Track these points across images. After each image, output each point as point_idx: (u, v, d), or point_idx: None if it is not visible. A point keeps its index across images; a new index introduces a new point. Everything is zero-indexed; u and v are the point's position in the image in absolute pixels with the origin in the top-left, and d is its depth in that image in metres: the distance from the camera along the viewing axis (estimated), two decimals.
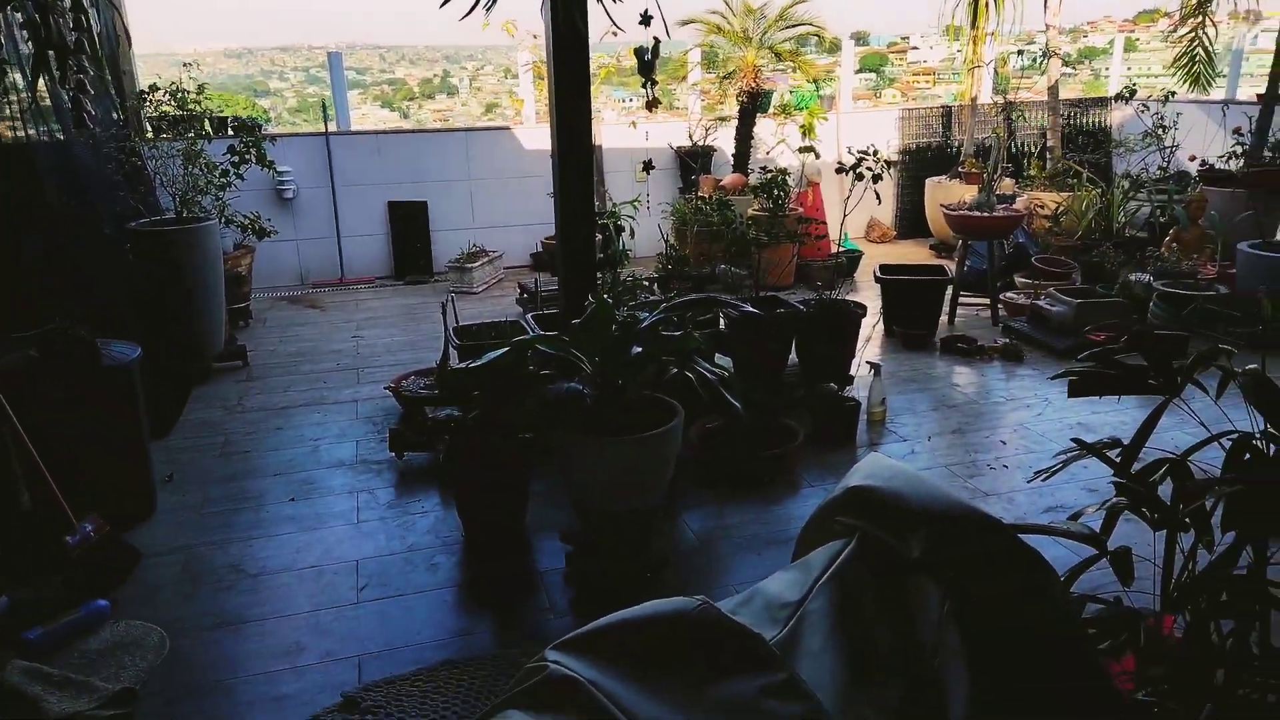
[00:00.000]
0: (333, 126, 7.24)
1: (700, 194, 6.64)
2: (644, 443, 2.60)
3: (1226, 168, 6.20)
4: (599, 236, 6.39)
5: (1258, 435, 1.61)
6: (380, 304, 6.52)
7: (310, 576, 2.95)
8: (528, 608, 2.79)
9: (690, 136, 7.34)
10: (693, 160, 7.17)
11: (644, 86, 3.62)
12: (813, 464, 3.73)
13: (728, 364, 4.29)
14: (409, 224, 7.13)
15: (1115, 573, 1.66)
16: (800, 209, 6.58)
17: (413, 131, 7.63)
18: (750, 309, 3.19)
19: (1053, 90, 7.38)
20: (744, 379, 4.22)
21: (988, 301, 5.61)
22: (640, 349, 2.72)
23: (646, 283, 5.31)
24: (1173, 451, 1.70)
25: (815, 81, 7.31)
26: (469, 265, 6.66)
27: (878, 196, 4.26)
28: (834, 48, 8.48)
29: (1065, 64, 10.51)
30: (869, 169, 4.08)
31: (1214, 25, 6.75)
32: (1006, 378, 4.72)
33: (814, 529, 1.35)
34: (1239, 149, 6.03)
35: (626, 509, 2.73)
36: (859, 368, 4.42)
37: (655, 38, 3.73)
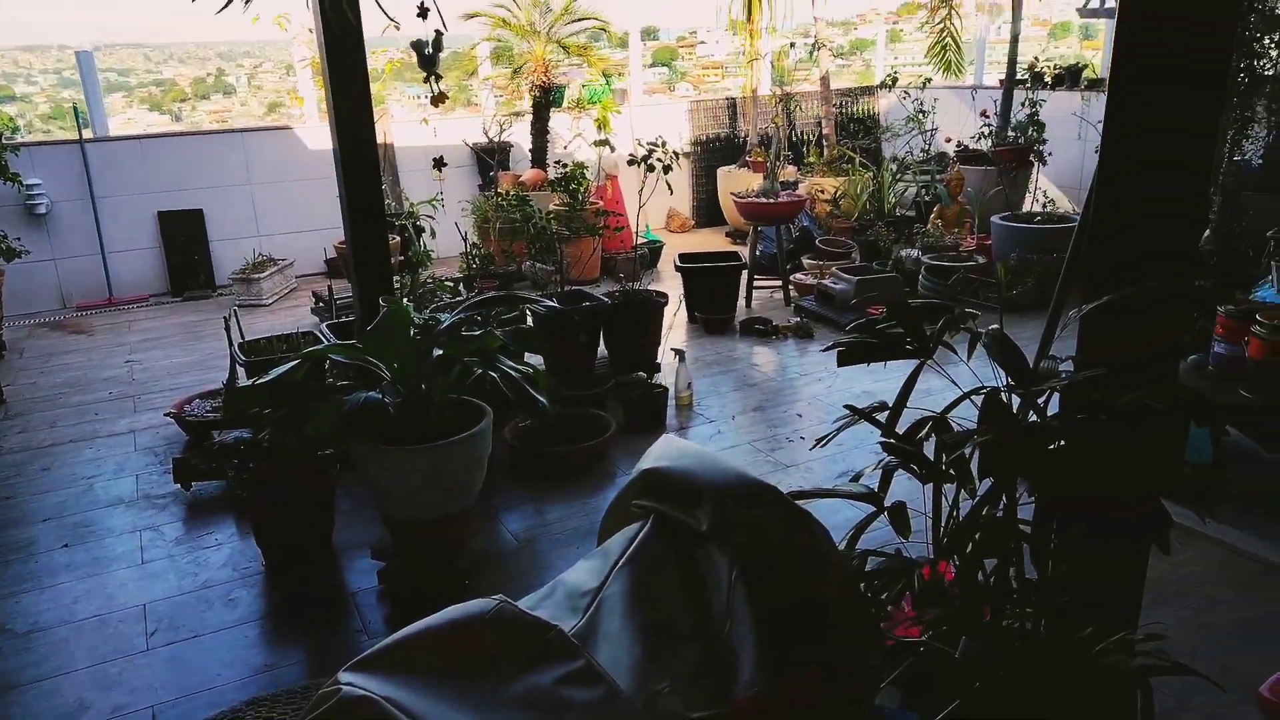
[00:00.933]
0: (89, 132, 6.58)
1: (500, 190, 6.58)
2: (450, 448, 2.55)
3: (979, 148, 6.85)
4: (398, 238, 6.20)
5: (1004, 389, 1.79)
6: (156, 324, 6.00)
7: (92, 628, 2.68)
8: (340, 631, 2.67)
9: (485, 132, 7.24)
10: (489, 156, 7.09)
11: (427, 81, 3.52)
12: (626, 452, 3.79)
13: (538, 361, 4.29)
14: (183, 235, 6.60)
15: (894, 527, 1.80)
16: (600, 202, 6.67)
17: (182, 134, 7.05)
18: (550, 304, 3.19)
19: (824, 81, 7.86)
20: (556, 374, 4.24)
21: (780, 283, 5.92)
22: (441, 351, 2.66)
23: (450, 283, 5.21)
24: (937, 411, 1.86)
25: (606, 75, 7.41)
26: (256, 276, 6.26)
27: (669, 187, 4.39)
28: (623, 43, 8.63)
29: (839, 55, 11.23)
30: (659, 160, 4.19)
31: (960, 17, 7.42)
32: (800, 354, 5.00)
33: (613, 515, 1.38)
34: (986, 130, 6.67)
35: (438, 516, 2.66)
36: (665, 355, 4.54)
37: (437, 31, 3.65)
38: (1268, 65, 4.11)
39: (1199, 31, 1.62)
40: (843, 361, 1.68)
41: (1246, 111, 4.19)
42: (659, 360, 4.55)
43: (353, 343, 2.73)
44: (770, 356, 4.99)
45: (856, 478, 1.94)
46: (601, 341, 4.49)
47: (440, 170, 4.58)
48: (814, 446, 1.74)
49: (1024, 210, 6.32)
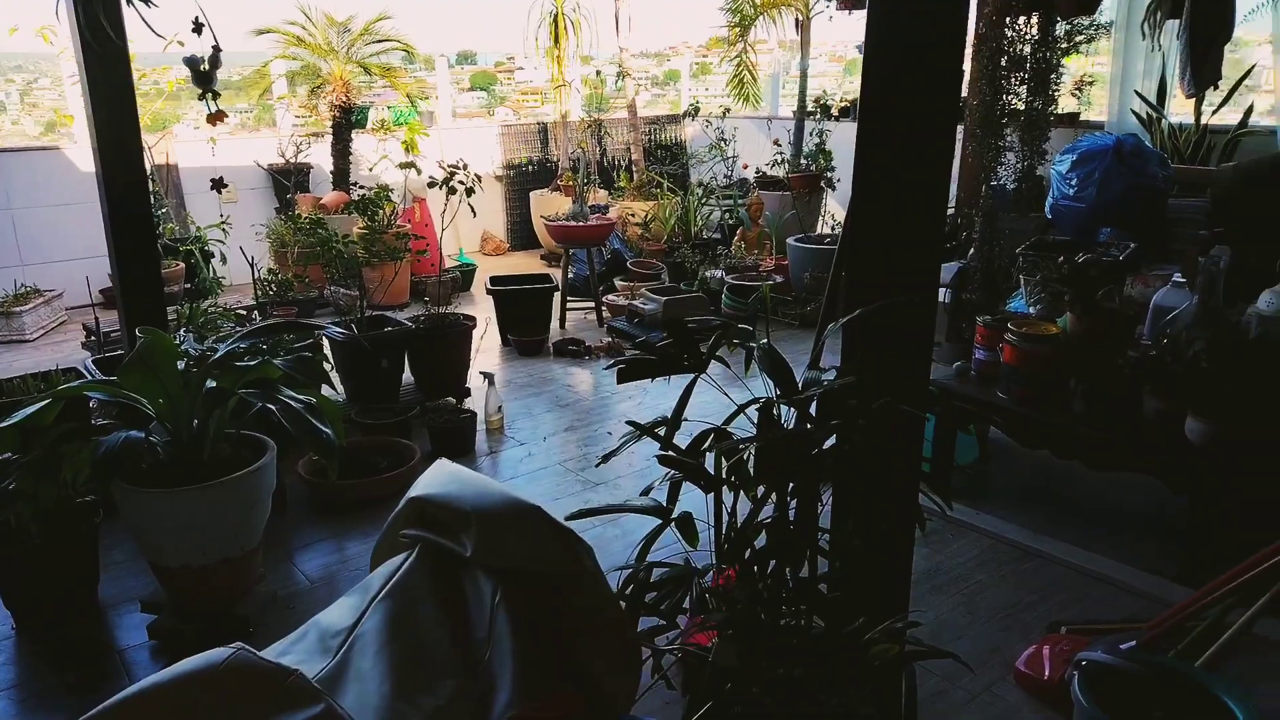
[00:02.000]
0: None
1: (299, 214, 6.29)
2: (222, 488, 2.38)
3: (775, 174, 7.22)
4: (181, 265, 5.78)
5: (775, 399, 1.88)
6: None
7: None
8: (109, 692, 2.41)
9: (282, 154, 6.91)
10: (286, 179, 6.76)
11: (202, 99, 3.32)
12: None
13: (340, 390, 4.11)
14: None
15: (682, 537, 1.84)
16: (408, 225, 6.50)
17: None
18: (338, 330, 3.06)
19: (631, 109, 8.06)
20: (358, 402, 4.08)
21: (593, 305, 5.98)
22: (215, 384, 2.49)
23: (244, 311, 4.90)
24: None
25: (411, 98, 7.26)
26: (17, 309, 5.65)
27: (472, 210, 4.33)
28: (431, 64, 8.49)
29: (654, 85, 11.53)
30: (460, 183, 4.13)
31: (754, 52, 7.81)
32: (612, 374, 5.05)
33: (383, 548, 1.32)
34: (779, 157, 7.05)
35: (213, 561, 2.48)
36: (475, 379, 4.46)
37: (215, 47, 3.45)
38: (1016, 101, 4.58)
39: (933, 76, 1.77)
40: (622, 379, 1.70)
41: (1001, 142, 4.65)
42: (468, 385, 4.47)
43: (112, 378, 2.50)
44: (583, 377, 5.02)
45: (646, 491, 1.97)
46: (407, 368, 4.36)
47: (221, 191, 4.31)
48: (599, 464, 1.75)
49: (816, 232, 6.71)
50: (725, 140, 7.65)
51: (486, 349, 5.35)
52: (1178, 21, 4.91)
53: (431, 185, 4.27)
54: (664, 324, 1.69)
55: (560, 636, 1.13)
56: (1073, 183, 4.44)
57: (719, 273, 6.06)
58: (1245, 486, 2.62)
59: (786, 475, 1.71)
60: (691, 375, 1.78)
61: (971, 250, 4.72)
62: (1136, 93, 5.53)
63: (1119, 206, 4.31)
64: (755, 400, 1.89)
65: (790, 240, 6.14)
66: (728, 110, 7.75)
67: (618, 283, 6.44)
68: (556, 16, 7.73)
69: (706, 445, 1.85)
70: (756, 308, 5.43)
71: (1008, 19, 4.36)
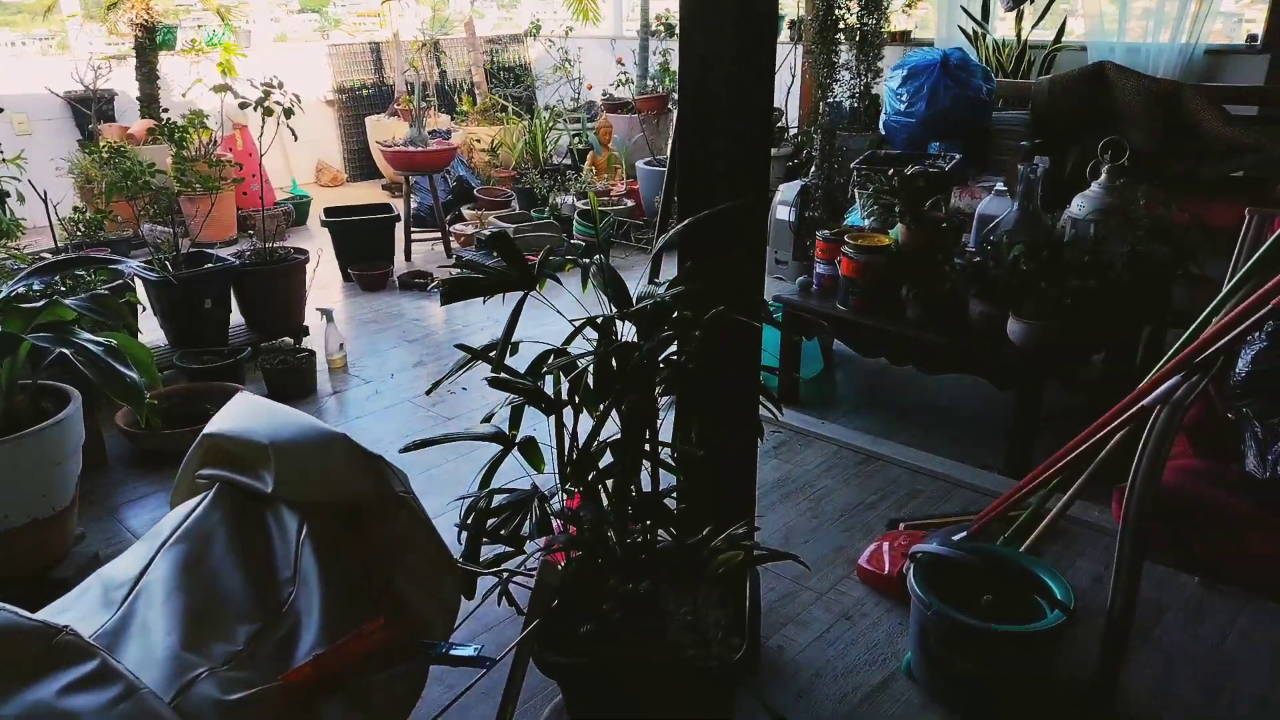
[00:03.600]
0: None
1: (106, 145, 5.69)
2: (22, 444, 2.15)
3: (623, 96, 7.08)
4: None
5: (612, 316, 1.83)
6: None
7: None
8: None
9: (80, 79, 6.22)
10: (86, 107, 6.11)
11: None
12: None
13: (158, 333, 3.80)
14: None
15: (527, 461, 1.79)
16: (229, 154, 6.02)
17: None
18: (146, 269, 2.80)
19: (469, 27, 7.70)
20: (181, 345, 3.78)
21: (440, 235, 5.75)
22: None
23: (48, 256, 4.43)
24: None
25: (222, 14, 6.65)
26: None
27: (294, 133, 4.02)
28: None
29: (499, 6, 11.04)
30: (277, 103, 3.81)
31: None
32: (464, 306, 4.90)
33: (180, 492, 1.20)
34: (624, 77, 6.91)
35: (20, 523, 2.25)
36: (313, 317, 4.22)
37: None
38: (849, 17, 4.63)
39: None
40: (446, 299, 1.61)
41: (835, 59, 4.70)
42: (305, 323, 4.22)
43: None
44: (432, 310, 4.84)
45: (489, 418, 1.91)
46: (236, 308, 4.07)
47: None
48: (429, 391, 1.66)
49: (666, 155, 6.66)
50: (570, 61, 7.43)
51: (326, 285, 5.07)
52: None
53: (244, 106, 3.92)
54: (489, 241, 1.60)
55: (374, 568, 1.06)
56: (903, 98, 4.55)
57: (570, 199, 5.94)
58: (1060, 380, 2.80)
59: (624, 389, 1.68)
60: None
61: (812, 168, 4.80)
62: (963, 8, 5.71)
63: (947, 119, 4.46)
64: (594, 319, 1.85)
65: (639, 164, 6.07)
66: (571, 29, 7.51)
67: (465, 211, 6.21)
68: None
69: (546, 368, 1.80)
70: (608, 233, 5.36)
71: None
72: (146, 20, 6.16)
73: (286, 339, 4.15)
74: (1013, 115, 4.74)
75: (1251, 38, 5.03)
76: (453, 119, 7.60)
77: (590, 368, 1.65)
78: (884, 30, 5.03)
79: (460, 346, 1.71)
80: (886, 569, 2.44)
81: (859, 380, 3.84)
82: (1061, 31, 5.44)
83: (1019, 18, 5.39)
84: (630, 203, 5.97)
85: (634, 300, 1.72)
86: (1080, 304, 2.74)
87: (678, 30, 1.84)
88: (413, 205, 5.88)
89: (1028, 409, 2.88)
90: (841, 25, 4.56)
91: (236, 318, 4.11)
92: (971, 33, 5.67)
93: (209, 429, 1.17)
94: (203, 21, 7.04)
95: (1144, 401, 1.90)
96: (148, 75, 6.37)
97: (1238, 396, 2.01)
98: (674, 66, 6.60)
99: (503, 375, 1.58)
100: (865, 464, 3.11)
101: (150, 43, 6.30)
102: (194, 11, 7.05)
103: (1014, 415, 2.93)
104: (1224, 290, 1.96)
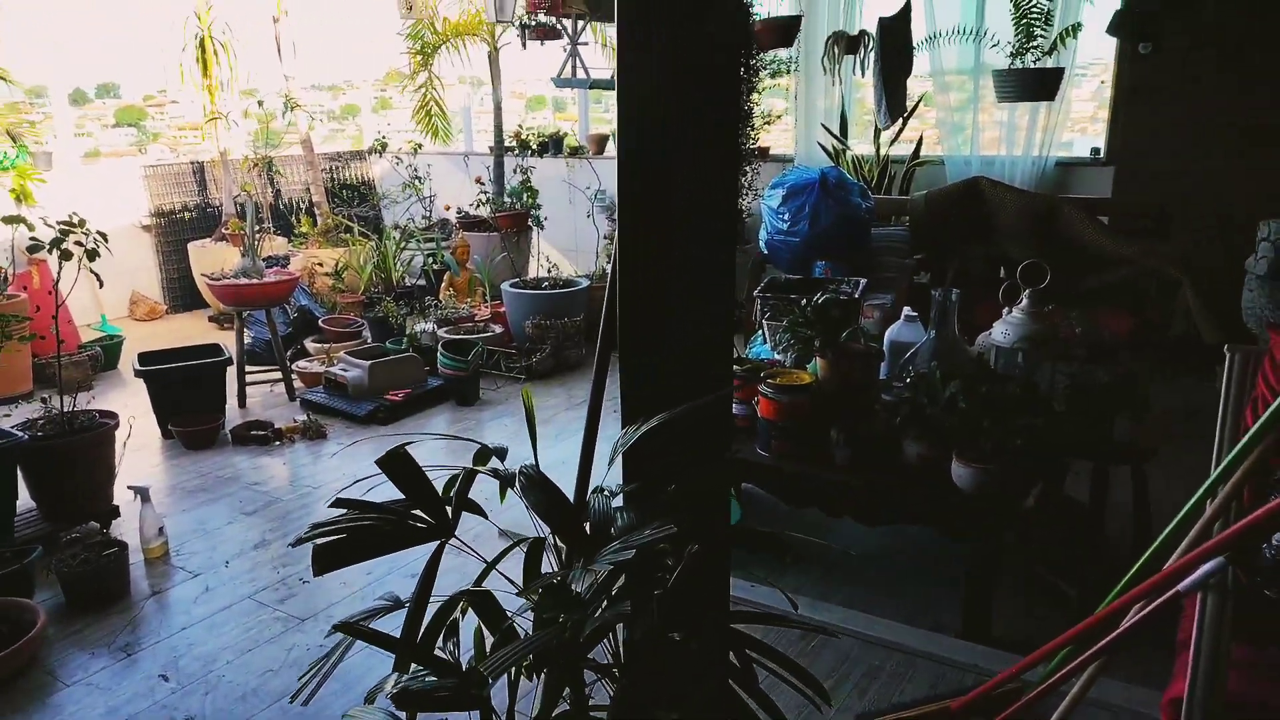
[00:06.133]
0: None
1: None
2: None
3: (480, 214, 6.71)
4: None
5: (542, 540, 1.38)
6: None
7: None
8: None
9: None
10: None
11: None
12: (76, 646, 2.74)
13: None
14: None
15: None
16: (22, 294, 5.17)
17: None
18: None
19: (306, 144, 7.18)
20: None
21: (280, 375, 5.08)
22: None
23: None
24: (470, 586, 1.39)
25: (12, 134, 5.83)
26: None
27: (98, 279, 3.36)
28: (37, 95, 6.99)
29: (332, 119, 10.54)
30: (78, 244, 3.17)
31: (441, 85, 7.25)
32: (313, 459, 4.25)
33: None
34: (484, 196, 6.56)
35: None
36: (125, 493, 3.48)
37: None
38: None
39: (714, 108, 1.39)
40: (320, 569, 1.11)
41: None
42: (115, 502, 3.47)
43: None
44: (275, 469, 4.15)
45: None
46: (24, 490, 3.29)
47: None
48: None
49: (531, 275, 6.29)
50: (420, 179, 7.01)
51: (142, 446, 4.30)
52: (854, 57, 5.12)
53: (34, 250, 3.24)
54: (385, 465, 1.11)
55: None
56: (784, 217, 4.40)
57: (430, 326, 5.43)
58: (1027, 530, 2.53)
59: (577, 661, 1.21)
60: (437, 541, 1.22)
61: None
62: (823, 125, 5.74)
63: (830, 238, 4.33)
64: (521, 541, 1.39)
65: (505, 286, 5.66)
66: (419, 146, 7.12)
67: (310, 345, 5.57)
68: (203, 41, 6.68)
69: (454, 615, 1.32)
70: (478, 364, 4.87)
71: None
72: None
73: (93, 523, 3.39)
74: (890, 231, 4.68)
75: (1094, 150, 5.26)
76: (290, 241, 6.97)
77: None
78: (753, 148, 4.94)
79: (339, 628, 1.19)
80: None
81: (779, 526, 3.47)
82: (919, 146, 5.53)
83: (876, 134, 5.45)
84: (498, 328, 5.51)
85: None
86: (1028, 443, 2.50)
87: (617, 169, 1.47)
88: (247, 341, 5.18)
89: (984, 562, 2.58)
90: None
91: (25, 501, 3.32)
92: (832, 149, 5.69)
93: None
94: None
95: (1179, 587, 1.61)
96: None
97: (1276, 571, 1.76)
98: (535, 183, 6.32)
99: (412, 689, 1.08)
100: (806, 640, 2.70)
101: None
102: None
103: (967, 570, 2.63)
104: (1228, 457, 1.72)
